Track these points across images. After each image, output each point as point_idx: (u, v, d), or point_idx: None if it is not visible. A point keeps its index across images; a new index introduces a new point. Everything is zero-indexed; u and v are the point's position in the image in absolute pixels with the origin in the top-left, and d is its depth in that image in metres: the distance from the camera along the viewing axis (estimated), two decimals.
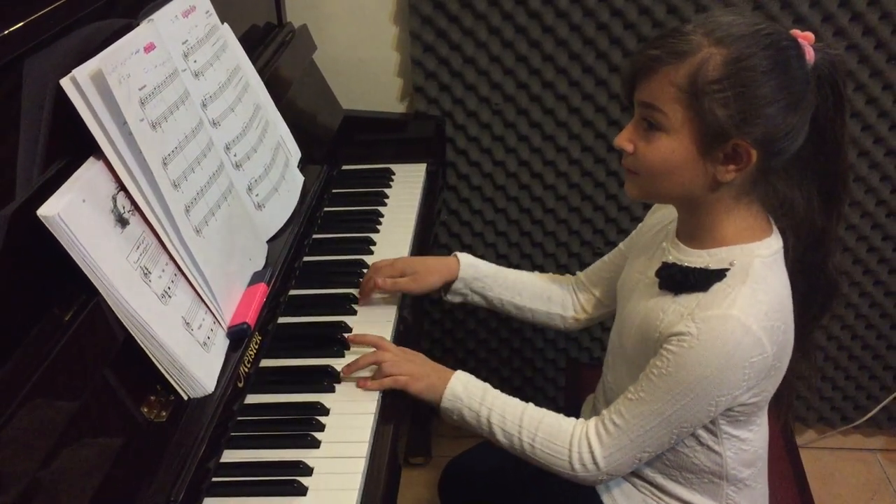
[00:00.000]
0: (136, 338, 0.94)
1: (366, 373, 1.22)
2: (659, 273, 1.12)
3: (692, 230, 1.12)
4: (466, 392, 1.20)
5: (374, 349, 1.24)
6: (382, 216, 1.64)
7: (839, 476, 2.16)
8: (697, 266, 1.08)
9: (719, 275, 1.05)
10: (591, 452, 1.12)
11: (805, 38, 1.04)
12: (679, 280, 1.09)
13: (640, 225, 1.32)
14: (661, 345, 1.06)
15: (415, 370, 1.21)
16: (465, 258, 1.42)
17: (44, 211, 0.85)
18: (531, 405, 1.19)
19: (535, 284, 1.44)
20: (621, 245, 1.39)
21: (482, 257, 1.94)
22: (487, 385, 1.22)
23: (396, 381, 1.19)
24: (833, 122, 1.06)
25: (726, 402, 1.06)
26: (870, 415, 2.14)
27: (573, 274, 1.96)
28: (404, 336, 1.34)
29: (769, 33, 1.00)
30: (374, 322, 1.34)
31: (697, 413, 1.06)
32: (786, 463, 1.47)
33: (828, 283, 1.16)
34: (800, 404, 2.14)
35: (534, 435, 1.15)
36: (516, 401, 1.20)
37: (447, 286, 1.42)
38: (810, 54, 1.03)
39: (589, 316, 1.44)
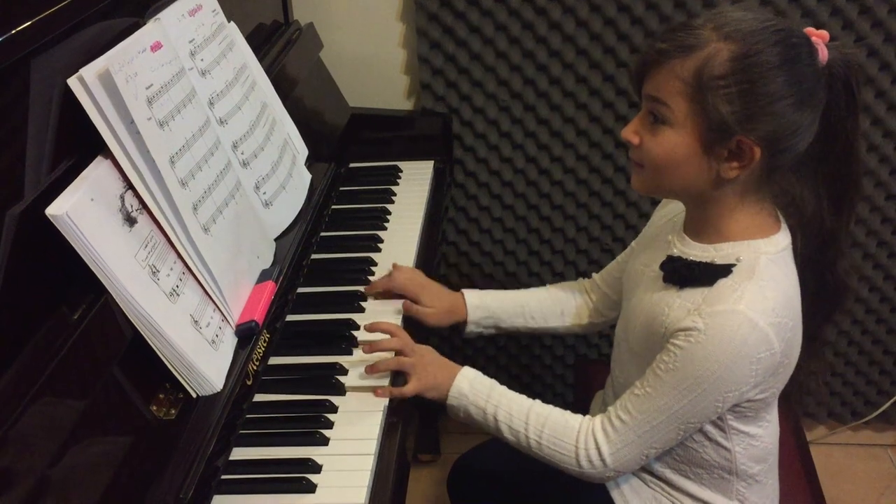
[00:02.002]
0: (144, 336, 0.95)
1: (377, 380, 1.22)
2: (663, 266, 1.12)
3: (698, 225, 1.12)
4: (472, 390, 1.20)
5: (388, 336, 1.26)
6: (390, 214, 1.64)
7: (850, 472, 2.15)
8: (702, 260, 1.08)
9: (725, 270, 1.05)
10: (598, 449, 1.12)
11: (820, 36, 1.02)
12: (684, 274, 1.08)
13: (650, 219, 1.32)
14: (667, 340, 1.06)
15: (426, 371, 1.22)
16: (471, 298, 1.42)
17: (52, 210, 0.85)
18: (538, 402, 1.19)
19: (546, 302, 1.44)
20: (633, 244, 1.38)
21: (490, 254, 1.97)
22: (494, 382, 1.22)
23: (403, 392, 1.20)
24: (845, 123, 1.05)
25: (733, 397, 1.05)
26: (880, 410, 2.13)
27: (582, 270, 1.97)
28: (412, 333, 1.34)
29: (779, 29, 1.00)
30: (382, 318, 1.34)
31: (704, 409, 1.06)
32: (796, 459, 1.46)
33: (837, 284, 1.15)
34: (810, 400, 2.13)
35: (540, 432, 1.15)
36: (523, 398, 1.20)
37: (461, 326, 1.43)
38: (824, 53, 1.02)
39: (605, 318, 1.44)
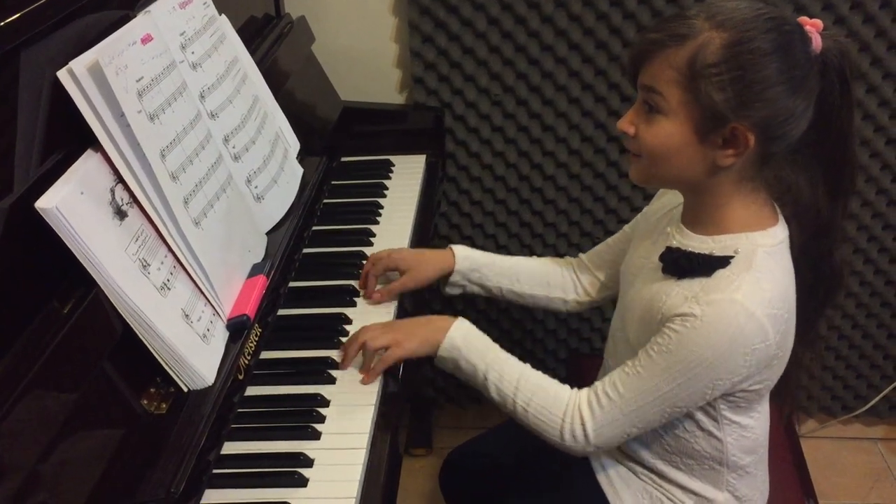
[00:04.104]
0: (135, 330, 0.94)
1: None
2: (662, 257, 1.12)
3: (696, 215, 1.12)
4: (466, 343, 1.19)
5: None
6: (382, 208, 1.63)
7: (840, 465, 2.16)
8: (701, 252, 1.08)
9: (723, 262, 1.05)
10: (583, 425, 1.12)
11: (813, 25, 1.03)
12: (683, 265, 1.08)
13: (645, 208, 1.32)
14: (663, 324, 1.06)
15: (399, 335, 1.20)
16: (460, 250, 1.41)
17: (42, 203, 0.85)
18: (528, 367, 1.19)
19: (534, 270, 1.44)
20: (626, 227, 1.38)
21: (482, 248, 1.95)
22: (487, 338, 1.21)
23: (385, 361, 1.19)
24: (839, 111, 1.06)
25: (724, 386, 1.06)
26: (870, 404, 2.14)
27: None
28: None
29: (772, 17, 1.00)
30: (374, 313, 1.34)
31: (693, 394, 1.06)
32: (787, 452, 1.47)
33: (832, 273, 1.16)
34: (801, 394, 2.14)
35: (528, 400, 1.15)
36: (515, 360, 1.20)
37: (445, 279, 1.42)
38: (817, 41, 1.02)
39: (591, 299, 1.43)
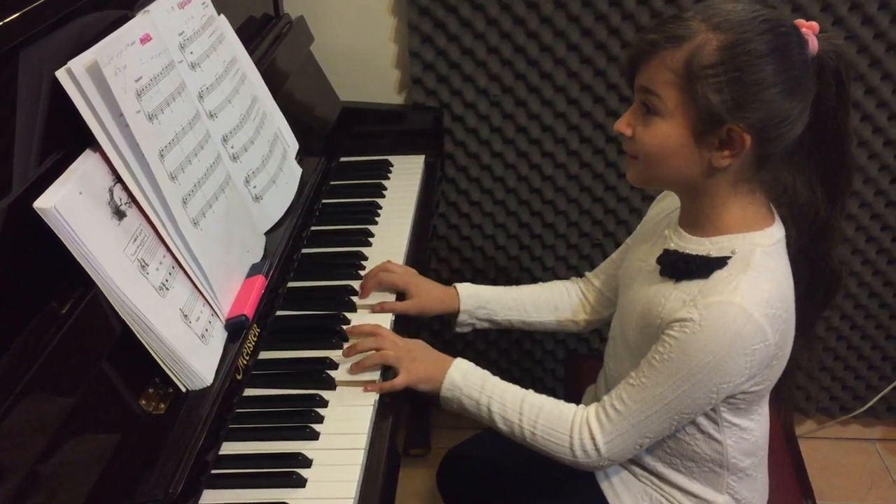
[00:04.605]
0: (133, 330, 0.94)
1: (368, 375, 1.21)
2: (660, 260, 1.12)
3: (693, 217, 1.12)
4: (465, 380, 1.20)
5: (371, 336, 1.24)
6: (381, 208, 1.63)
7: (838, 466, 2.16)
8: (698, 253, 1.08)
9: (720, 262, 1.05)
10: (593, 438, 1.12)
11: (809, 27, 1.03)
12: (680, 267, 1.09)
13: (644, 217, 1.32)
14: (663, 331, 1.06)
15: (411, 364, 1.21)
16: (464, 289, 1.41)
17: (40, 203, 0.85)
18: (531, 392, 1.19)
19: (540, 297, 1.44)
20: (628, 240, 1.38)
21: (480, 249, 1.97)
22: (486, 373, 1.22)
23: (394, 386, 1.19)
24: (835, 113, 1.06)
25: (728, 389, 1.06)
26: (869, 405, 2.15)
27: (573, 265, 1.97)
28: (403, 327, 1.34)
29: (768, 19, 1.00)
30: (372, 315, 1.34)
31: (698, 399, 1.06)
32: (785, 453, 1.47)
33: (831, 273, 1.16)
34: (799, 395, 2.14)
35: (534, 422, 1.15)
36: (516, 388, 1.20)
37: (453, 318, 1.42)
38: (814, 43, 1.02)
39: (599, 315, 1.43)
